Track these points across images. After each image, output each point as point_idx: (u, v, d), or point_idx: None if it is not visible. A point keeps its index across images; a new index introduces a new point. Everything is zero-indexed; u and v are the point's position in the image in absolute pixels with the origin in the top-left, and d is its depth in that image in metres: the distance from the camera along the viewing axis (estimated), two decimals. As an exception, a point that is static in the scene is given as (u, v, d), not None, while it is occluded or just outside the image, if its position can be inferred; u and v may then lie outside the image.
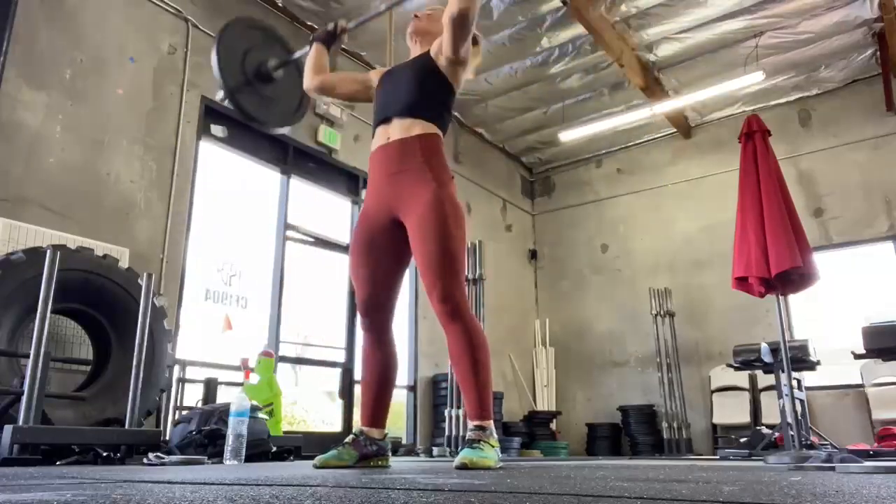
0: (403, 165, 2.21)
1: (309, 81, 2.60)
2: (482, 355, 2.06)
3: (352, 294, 5.78)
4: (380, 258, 2.28)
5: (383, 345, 2.31)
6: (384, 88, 2.42)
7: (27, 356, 2.59)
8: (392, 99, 2.33)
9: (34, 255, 3.03)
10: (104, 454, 2.65)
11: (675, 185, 7.57)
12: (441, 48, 2.28)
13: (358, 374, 5.55)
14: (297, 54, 2.85)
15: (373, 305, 2.28)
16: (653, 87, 6.51)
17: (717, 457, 5.23)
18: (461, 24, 2.15)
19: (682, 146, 7.63)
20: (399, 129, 2.26)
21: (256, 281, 5.07)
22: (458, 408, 5.08)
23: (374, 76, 2.53)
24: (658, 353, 6.88)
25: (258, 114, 2.79)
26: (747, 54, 6.11)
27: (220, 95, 2.72)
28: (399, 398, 6.20)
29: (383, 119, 2.32)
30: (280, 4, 5.44)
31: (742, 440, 5.50)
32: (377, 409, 2.29)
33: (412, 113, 2.26)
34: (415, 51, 2.49)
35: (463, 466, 1.86)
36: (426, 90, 2.30)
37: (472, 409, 2.04)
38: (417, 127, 2.25)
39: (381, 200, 2.26)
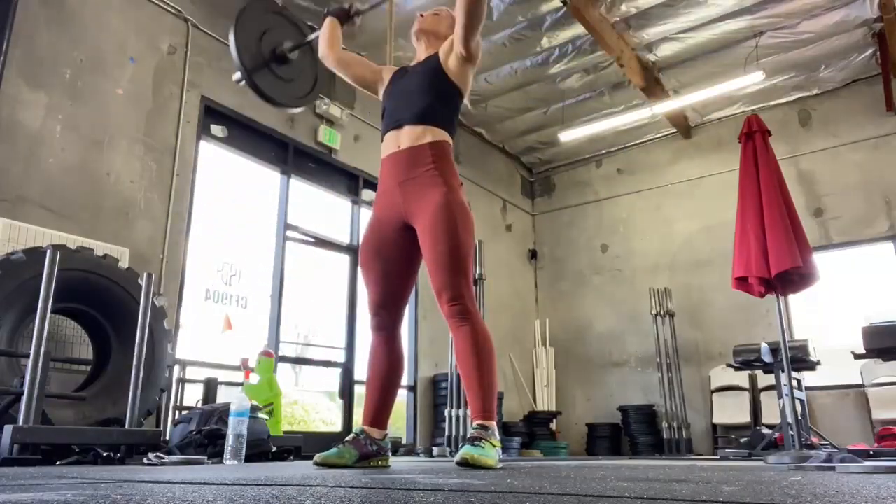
0: (414, 172, 2.24)
1: (325, 50, 2.64)
2: (488, 356, 2.09)
3: (352, 294, 5.79)
4: (390, 261, 2.30)
5: (391, 345, 2.32)
6: (393, 91, 2.43)
7: (27, 356, 2.59)
8: (402, 105, 2.34)
9: (34, 255, 3.03)
10: (104, 454, 2.65)
11: (675, 185, 7.57)
12: (450, 48, 2.31)
13: (358, 374, 5.55)
14: (312, 36, 2.91)
15: (383, 304, 2.31)
16: (653, 87, 6.51)
17: (717, 457, 5.23)
18: (474, 9, 2.15)
19: (682, 146, 7.63)
20: (410, 136, 2.27)
21: (256, 281, 5.07)
22: (459, 408, 5.07)
23: (385, 73, 2.55)
24: (658, 353, 6.88)
25: (274, 94, 2.84)
26: (747, 54, 6.11)
27: (236, 76, 2.75)
28: (399, 398, 6.16)
29: (394, 125, 2.33)
30: (280, 3, 5.43)
31: (742, 440, 5.50)
32: (380, 410, 2.30)
33: (423, 120, 2.28)
34: (420, 51, 2.51)
35: (464, 462, 1.87)
36: (436, 96, 2.32)
37: (476, 409, 2.05)
38: (428, 134, 2.27)
39: (392, 206, 2.28)
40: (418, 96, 2.32)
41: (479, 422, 2.03)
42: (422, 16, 2.53)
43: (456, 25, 2.25)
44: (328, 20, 2.69)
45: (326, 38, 2.66)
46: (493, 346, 2.13)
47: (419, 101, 2.30)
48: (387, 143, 2.35)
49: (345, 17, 2.70)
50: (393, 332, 2.34)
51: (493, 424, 2.04)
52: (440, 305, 2.15)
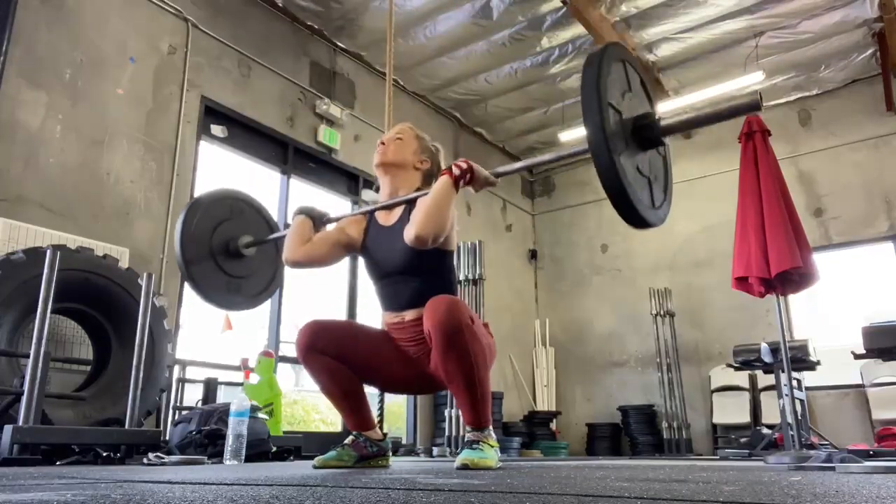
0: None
1: (292, 253, 2.26)
2: (482, 373, 1.95)
3: (352, 294, 5.79)
4: (383, 363, 2.20)
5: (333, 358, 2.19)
6: (375, 265, 2.25)
7: (27, 356, 2.59)
8: (393, 292, 2.20)
9: (34, 255, 3.03)
10: (104, 454, 2.65)
11: (675, 185, 7.53)
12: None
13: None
14: (275, 235, 2.74)
15: (332, 354, 2.15)
16: (653, 87, 6.50)
17: (717, 457, 5.23)
18: (423, 246, 1.98)
19: (682, 146, 7.61)
20: (413, 314, 2.14)
21: (256, 281, 5.06)
22: (458, 408, 5.07)
23: (352, 231, 2.32)
24: (658, 353, 6.88)
25: (213, 296, 2.63)
26: (747, 54, 6.11)
27: (178, 263, 2.56)
28: (399, 398, 6.20)
29: (395, 310, 2.20)
30: (280, 5, 5.44)
31: (742, 440, 5.50)
32: (361, 414, 2.24)
33: (422, 303, 2.02)
34: (384, 185, 2.27)
35: (464, 467, 1.86)
36: (427, 278, 2.14)
37: (469, 419, 2.01)
38: None
39: (404, 353, 2.18)
40: (406, 283, 2.15)
41: (475, 425, 2.01)
42: (382, 144, 2.28)
43: (414, 212, 2.04)
44: (300, 219, 2.33)
45: (297, 238, 2.27)
46: (487, 357, 2.00)
47: (410, 289, 2.14)
48: (387, 316, 2.23)
49: (319, 220, 2.36)
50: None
51: (489, 426, 2.03)
52: (430, 326, 1.97)
